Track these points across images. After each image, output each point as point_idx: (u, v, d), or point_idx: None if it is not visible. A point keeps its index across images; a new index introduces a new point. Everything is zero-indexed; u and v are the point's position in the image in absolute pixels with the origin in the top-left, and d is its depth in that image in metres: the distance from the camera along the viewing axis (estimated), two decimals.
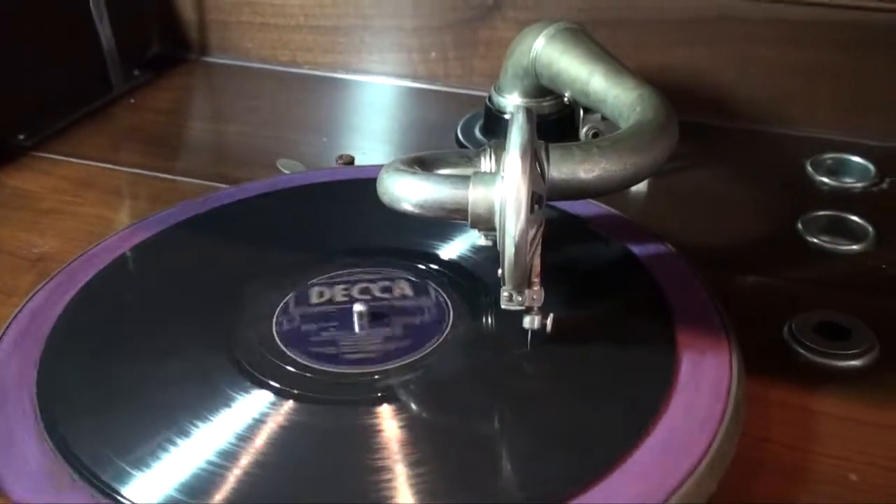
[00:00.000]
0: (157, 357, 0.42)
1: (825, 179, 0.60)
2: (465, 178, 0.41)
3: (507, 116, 0.63)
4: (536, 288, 0.40)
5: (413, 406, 0.40)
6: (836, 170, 0.61)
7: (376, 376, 0.41)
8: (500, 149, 0.45)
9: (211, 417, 0.39)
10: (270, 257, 0.49)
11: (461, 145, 0.65)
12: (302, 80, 0.77)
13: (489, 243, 0.43)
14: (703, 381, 0.39)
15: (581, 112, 0.58)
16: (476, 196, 0.40)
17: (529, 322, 0.41)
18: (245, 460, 0.37)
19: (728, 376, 0.40)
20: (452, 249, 0.49)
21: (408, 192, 0.41)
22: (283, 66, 0.78)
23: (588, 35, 0.57)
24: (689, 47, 0.66)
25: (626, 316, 0.44)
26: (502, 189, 0.39)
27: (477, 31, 0.71)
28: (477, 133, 0.66)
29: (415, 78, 0.74)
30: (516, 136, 0.38)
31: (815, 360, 0.44)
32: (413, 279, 0.46)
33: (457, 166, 0.45)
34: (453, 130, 0.67)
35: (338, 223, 0.51)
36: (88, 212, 0.58)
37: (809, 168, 0.61)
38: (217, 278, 0.47)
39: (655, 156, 0.47)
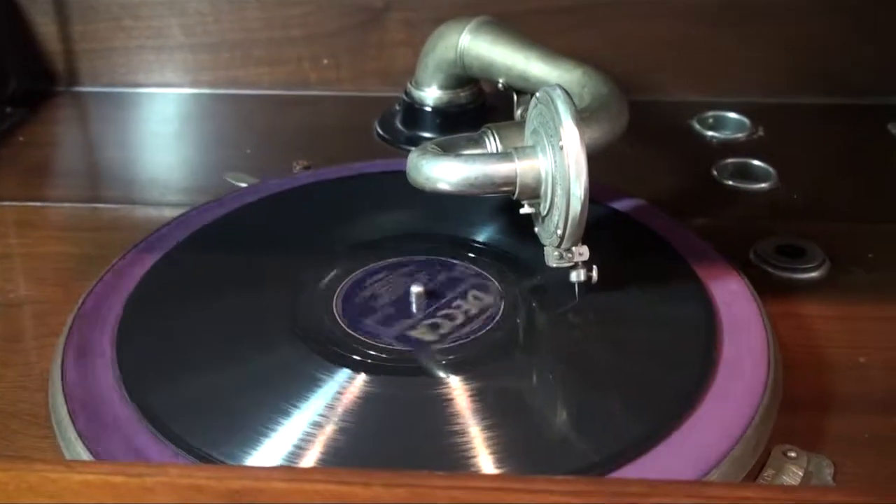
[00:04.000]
0: (239, 349, 0.44)
1: (712, 133, 0.69)
2: (504, 154, 0.46)
3: (426, 108, 0.68)
4: (581, 244, 0.45)
5: (481, 375, 0.43)
6: (717, 125, 0.70)
7: (444, 351, 0.44)
8: (500, 129, 0.50)
9: (303, 395, 0.41)
10: (312, 249, 0.51)
11: (383, 139, 0.69)
12: (189, 100, 0.76)
13: (532, 210, 0.47)
14: (740, 310, 0.46)
15: (514, 96, 0.63)
16: (524, 168, 0.44)
17: (576, 276, 0.45)
18: (334, 429, 0.39)
19: (754, 301, 0.46)
20: (479, 231, 0.53)
21: (450, 173, 0.45)
22: (163, 89, 0.77)
23: (507, 26, 0.62)
24: (568, 32, 0.73)
25: (646, 264, 0.49)
26: (555, 158, 0.43)
27: (367, 34, 0.74)
28: (399, 126, 0.69)
29: (307, 86, 0.76)
30: (565, 109, 0.42)
31: (784, 276, 0.52)
32: (455, 260, 0.50)
33: (467, 148, 0.49)
34: (359, 131, 0.70)
35: (364, 216, 0.54)
36: (45, 251, 0.56)
37: (697, 126, 0.70)
38: (265, 270, 0.49)
39: (622, 122, 0.53)
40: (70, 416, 0.40)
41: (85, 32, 0.76)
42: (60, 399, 0.40)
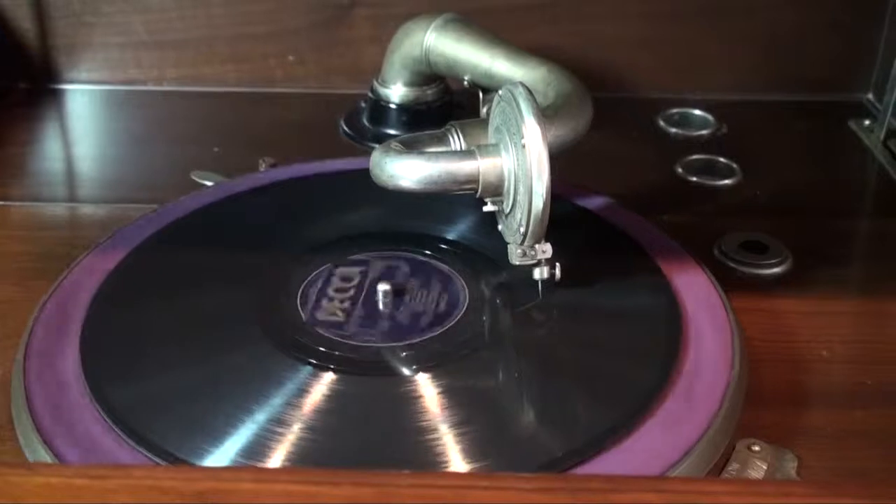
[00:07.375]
0: (205, 348, 0.44)
1: (676, 130, 0.70)
2: (467, 152, 0.46)
3: (392, 106, 0.67)
4: (544, 242, 0.45)
5: (446, 372, 0.43)
6: (682, 122, 0.71)
7: (410, 348, 0.44)
8: (465, 127, 0.50)
9: (269, 394, 0.41)
10: (278, 247, 0.51)
11: (349, 137, 0.69)
12: (154, 97, 0.75)
13: (495, 208, 0.47)
14: (705, 306, 0.46)
15: (480, 93, 0.63)
16: (486, 166, 0.45)
17: (540, 273, 0.46)
18: (301, 427, 0.39)
19: (719, 297, 0.47)
20: (445, 229, 0.53)
21: (413, 171, 0.45)
22: (128, 86, 0.76)
23: (473, 23, 0.62)
24: (534, 29, 0.73)
25: (611, 261, 0.50)
26: (517, 156, 0.43)
27: (333, 31, 0.74)
28: (365, 123, 0.69)
29: (273, 83, 0.76)
30: (527, 107, 0.43)
31: (748, 272, 0.53)
32: (419, 258, 0.50)
33: (430, 145, 0.49)
34: (325, 128, 0.70)
35: (329, 214, 0.53)
36: (5, 250, 0.55)
37: (662, 123, 0.71)
38: (231, 269, 0.49)
39: (587, 118, 0.53)
40: (32, 419, 0.39)
41: (45, 29, 0.75)
42: (22, 402, 0.40)
